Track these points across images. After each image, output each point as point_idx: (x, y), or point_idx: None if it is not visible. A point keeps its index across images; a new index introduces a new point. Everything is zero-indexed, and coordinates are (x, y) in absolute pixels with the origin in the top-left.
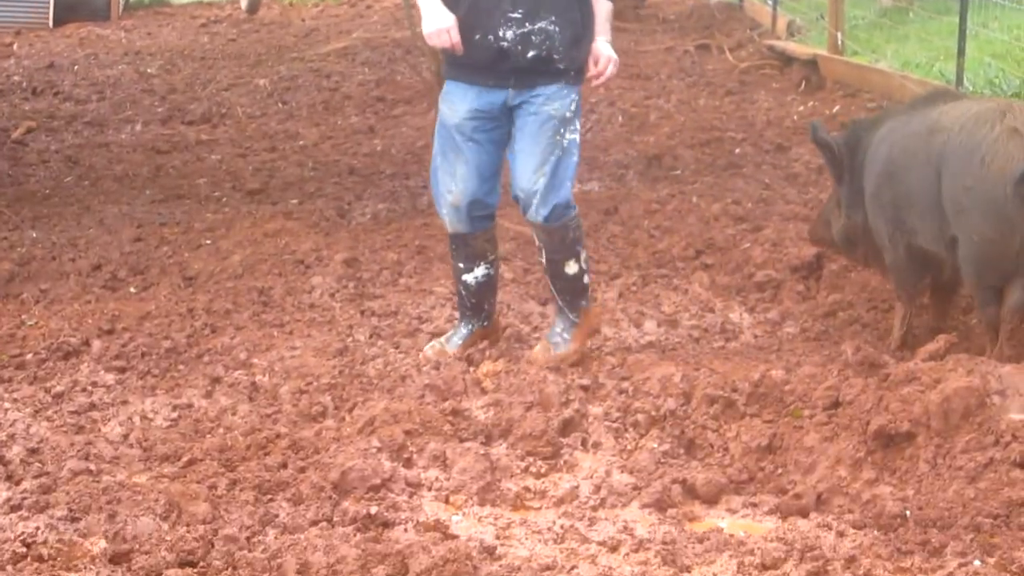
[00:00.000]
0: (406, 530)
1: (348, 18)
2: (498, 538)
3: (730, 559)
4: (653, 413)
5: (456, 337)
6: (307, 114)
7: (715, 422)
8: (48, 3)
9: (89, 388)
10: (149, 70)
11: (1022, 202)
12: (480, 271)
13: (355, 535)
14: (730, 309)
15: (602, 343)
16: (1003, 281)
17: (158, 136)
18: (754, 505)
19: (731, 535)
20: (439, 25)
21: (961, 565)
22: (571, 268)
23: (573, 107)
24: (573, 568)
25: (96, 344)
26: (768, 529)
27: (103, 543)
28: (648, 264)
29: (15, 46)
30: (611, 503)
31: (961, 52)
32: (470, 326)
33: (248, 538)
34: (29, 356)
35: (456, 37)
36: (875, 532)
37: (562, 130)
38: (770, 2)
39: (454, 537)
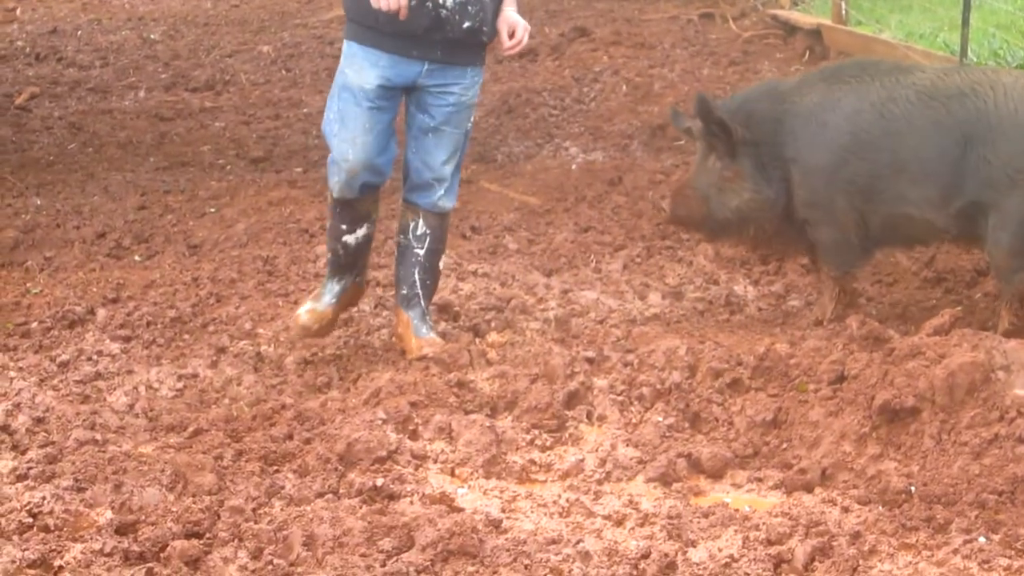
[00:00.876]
0: (412, 502)
1: None
2: (503, 511)
3: (735, 534)
4: (658, 386)
5: (328, 296)
6: (311, 81)
7: (720, 396)
8: None
9: (94, 357)
10: (152, 36)
11: None
12: (362, 231)
13: (361, 507)
14: (734, 281)
15: (607, 315)
16: None
17: (162, 103)
18: (759, 480)
19: (736, 510)
20: None
21: (966, 541)
22: (441, 261)
23: (478, 92)
24: (579, 542)
25: (101, 313)
26: (773, 504)
27: (109, 513)
28: (652, 236)
29: (18, 11)
30: (616, 477)
31: (965, 22)
32: (343, 282)
33: (254, 509)
34: (34, 324)
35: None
36: (880, 508)
37: (470, 116)
38: None
39: (460, 510)
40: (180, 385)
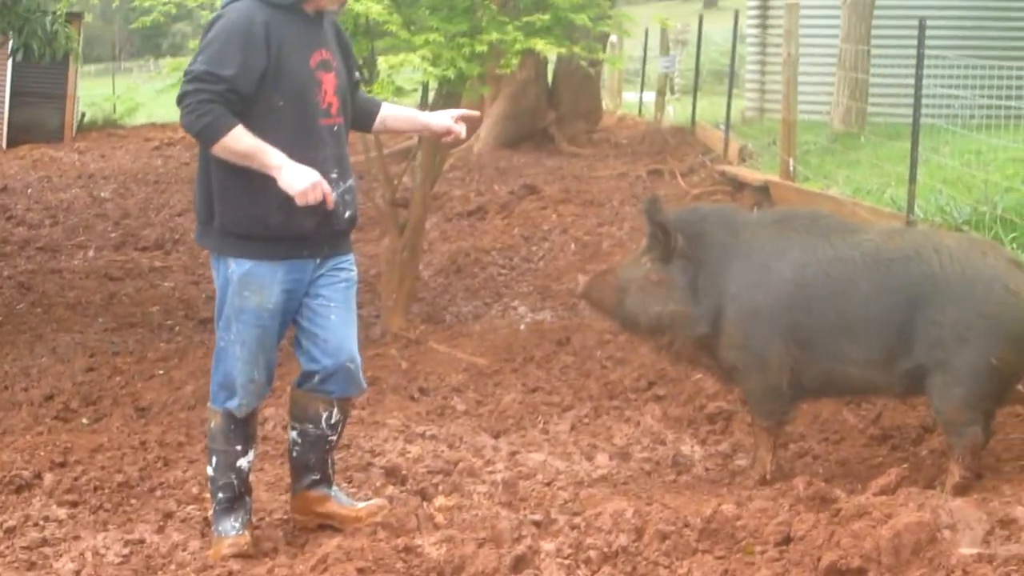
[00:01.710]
0: None
1: None
2: None
3: None
4: (605, 550)
5: (234, 529)
6: None
7: (667, 558)
8: (2, 124)
9: (41, 523)
10: (102, 194)
11: None
12: (252, 451)
13: None
14: (681, 441)
15: (555, 476)
16: (995, 406)
17: (111, 262)
18: None
19: None
20: (312, 178)
21: None
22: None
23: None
24: None
25: (48, 477)
26: None
27: None
28: (600, 395)
29: None
30: None
31: (912, 179)
32: (245, 509)
33: None
34: None
35: (328, 188)
36: None
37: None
38: (722, 127)
39: None
40: (127, 551)
